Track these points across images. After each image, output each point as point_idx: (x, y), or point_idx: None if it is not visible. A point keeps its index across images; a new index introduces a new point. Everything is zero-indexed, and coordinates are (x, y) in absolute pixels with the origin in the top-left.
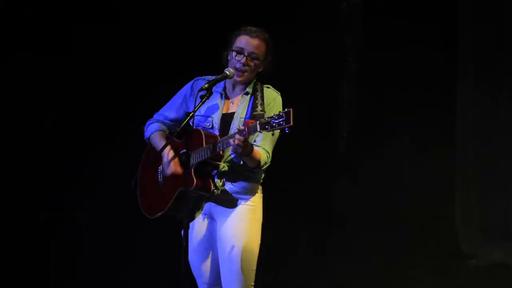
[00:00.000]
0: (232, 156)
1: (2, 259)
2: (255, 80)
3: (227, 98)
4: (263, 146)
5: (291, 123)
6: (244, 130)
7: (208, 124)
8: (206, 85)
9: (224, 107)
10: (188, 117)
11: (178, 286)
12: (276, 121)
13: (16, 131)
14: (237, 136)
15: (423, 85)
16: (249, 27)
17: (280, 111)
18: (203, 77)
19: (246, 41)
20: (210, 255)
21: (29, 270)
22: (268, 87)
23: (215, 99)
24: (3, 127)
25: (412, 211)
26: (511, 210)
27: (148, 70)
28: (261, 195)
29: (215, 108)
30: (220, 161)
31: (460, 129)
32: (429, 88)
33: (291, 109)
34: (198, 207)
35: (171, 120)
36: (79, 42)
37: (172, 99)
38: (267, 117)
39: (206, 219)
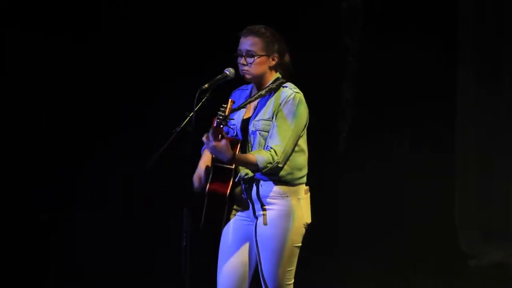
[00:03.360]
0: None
1: (2, 259)
2: (274, 79)
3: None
4: (270, 144)
5: (226, 114)
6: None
7: (233, 131)
8: (205, 86)
9: (247, 112)
10: (188, 117)
11: (179, 286)
12: (221, 114)
13: (16, 131)
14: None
15: (423, 85)
16: (247, 27)
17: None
18: (238, 88)
19: (240, 42)
20: (240, 258)
21: (29, 270)
22: (285, 86)
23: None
24: (3, 127)
25: (412, 211)
26: (511, 210)
27: (148, 70)
28: (303, 196)
29: (238, 114)
30: (230, 164)
31: (460, 129)
32: (429, 88)
33: (229, 100)
34: (229, 212)
35: None
36: (79, 40)
37: None
38: (219, 111)
39: (243, 220)
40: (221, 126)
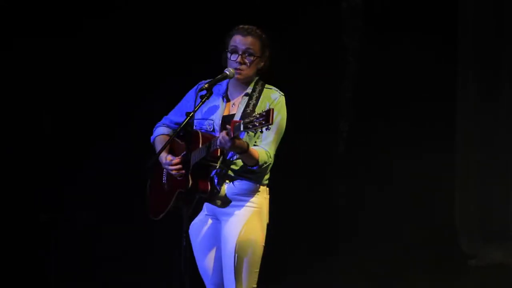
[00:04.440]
0: (218, 144)
1: (2, 259)
2: (256, 80)
3: (228, 100)
4: (264, 146)
5: (270, 122)
6: (229, 129)
7: (209, 126)
8: (206, 85)
9: (226, 109)
10: (188, 117)
11: (178, 286)
12: (257, 120)
13: (16, 131)
14: (223, 132)
15: (423, 85)
16: (241, 26)
17: (262, 110)
18: (206, 81)
19: (239, 40)
20: (215, 255)
21: (29, 270)
22: (269, 88)
23: (217, 101)
24: (3, 127)
25: (412, 211)
26: (511, 210)
27: (146, 70)
28: (267, 196)
29: (216, 110)
30: (216, 162)
31: (460, 129)
32: (429, 88)
33: (271, 108)
34: (200, 209)
35: (177, 123)
36: (79, 41)
37: (179, 104)
38: (250, 117)
39: (210, 220)
40: (254, 131)
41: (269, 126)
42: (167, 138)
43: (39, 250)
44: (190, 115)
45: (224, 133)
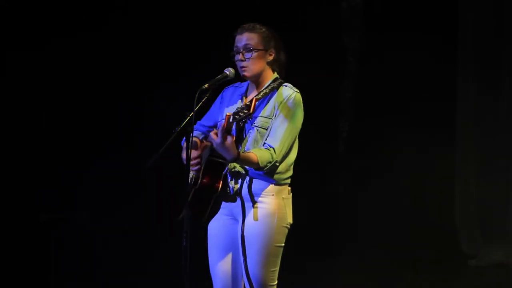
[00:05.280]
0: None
1: (2, 259)
2: (274, 78)
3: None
4: (270, 143)
5: (251, 111)
6: (222, 122)
7: None
8: (206, 85)
9: None
10: (188, 117)
11: (179, 286)
12: (242, 110)
13: (16, 131)
14: (215, 129)
15: (423, 86)
16: (239, 27)
17: (247, 102)
18: (233, 85)
19: (237, 39)
20: (230, 258)
21: (29, 270)
22: (286, 85)
23: (236, 102)
24: (3, 127)
25: (412, 211)
26: (511, 211)
27: (148, 70)
28: (287, 196)
29: (231, 110)
30: (223, 159)
31: (460, 129)
32: (429, 89)
33: (253, 99)
34: (217, 208)
35: (205, 126)
36: (79, 40)
37: (209, 109)
38: (238, 108)
39: (228, 220)
40: (241, 123)
41: (251, 116)
42: (195, 139)
43: (39, 250)
44: (190, 115)
45: (214, 130)
